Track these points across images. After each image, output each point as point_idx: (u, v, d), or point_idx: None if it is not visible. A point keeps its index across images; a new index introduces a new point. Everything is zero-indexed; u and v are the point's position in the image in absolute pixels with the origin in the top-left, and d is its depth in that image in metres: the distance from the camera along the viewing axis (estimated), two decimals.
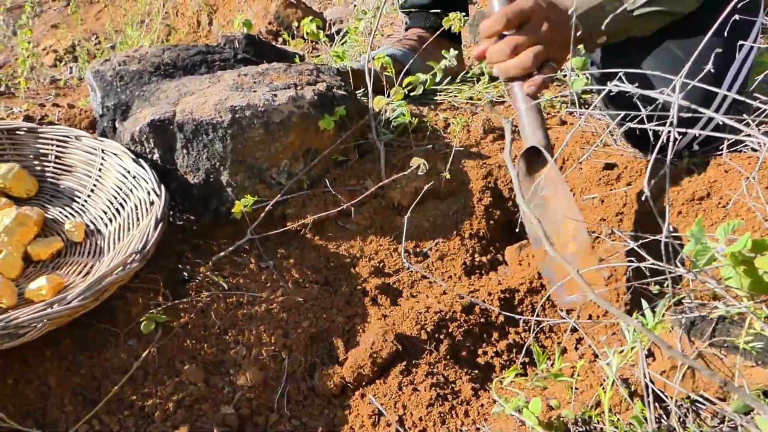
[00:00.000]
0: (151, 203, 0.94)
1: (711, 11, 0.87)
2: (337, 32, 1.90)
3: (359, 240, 1.11)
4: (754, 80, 0.97)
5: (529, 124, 0.97)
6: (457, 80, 1.52)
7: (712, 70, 0.70)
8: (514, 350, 0.95)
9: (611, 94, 0.72)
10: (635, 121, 0.70)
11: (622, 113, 0.72)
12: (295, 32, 2.17)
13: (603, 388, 0.63)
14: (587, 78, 1.32)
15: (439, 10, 1.42)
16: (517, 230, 1.06)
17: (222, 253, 1.02)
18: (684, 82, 0.63)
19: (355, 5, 2.35)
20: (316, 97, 1.10)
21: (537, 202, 0.90)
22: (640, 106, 0.92)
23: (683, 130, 0.61)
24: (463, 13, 1.27)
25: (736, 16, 0.81)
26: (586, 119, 1.38)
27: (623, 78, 0.72)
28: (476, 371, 0.92)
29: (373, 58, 1.33)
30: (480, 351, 0.95)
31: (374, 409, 0.84)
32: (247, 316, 0.95)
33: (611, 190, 1.12)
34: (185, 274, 1.01)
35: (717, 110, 1.09)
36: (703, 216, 1.05)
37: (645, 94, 0.63)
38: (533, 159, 0.99)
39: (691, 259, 0.53)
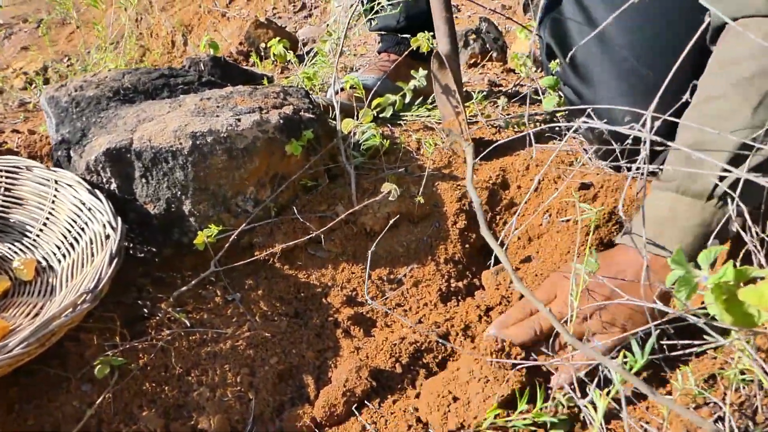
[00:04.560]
0: (107, 237, 0.89)
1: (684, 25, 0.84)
2: (308, 53, 1.87)
3: (330, 268, 1.06)
4: None
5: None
6: (429, 101, 1.49)
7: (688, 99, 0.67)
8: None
9: (583, 118, 0.69)
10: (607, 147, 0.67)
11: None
12: (264, 53, 2.14)
13: None
14: (559, 96, 1.31)
15: (408, 36, 1.40)
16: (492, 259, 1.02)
17: (184, 288, 0.97)
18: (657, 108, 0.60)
19: (327, 24, 2.32)
20: (282, 121, 1.06)
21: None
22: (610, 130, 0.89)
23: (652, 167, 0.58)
24: (432, 33, 1.24)
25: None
26: (560, 136, 1.36)
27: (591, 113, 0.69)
28: (455, 407, 0.87)
29: (342, 89, 1.30)
30: None
31: None
32: (211, 354, 0.90)
33: (587, 210, 1.09)
34: (145, 310, 0.95)
35: None
36: None
37: (614, 129, 0.60)
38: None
39: (672, 292, 0.49)
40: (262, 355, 0.90)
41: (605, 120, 0.68)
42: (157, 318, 0.93)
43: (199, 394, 0.85)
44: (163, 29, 2.92)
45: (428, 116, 1.43)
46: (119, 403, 0.82)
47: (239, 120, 1.02)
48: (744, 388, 0.76)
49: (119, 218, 0.91)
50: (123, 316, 0.93)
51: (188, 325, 0.92)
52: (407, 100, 1.24)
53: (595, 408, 0.49)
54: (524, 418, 0.76)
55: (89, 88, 1.12)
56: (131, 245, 1.04)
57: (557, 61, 1.20)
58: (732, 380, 0.64)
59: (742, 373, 0.76)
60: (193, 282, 0.98)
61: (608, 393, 0.54)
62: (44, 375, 0.83)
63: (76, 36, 3.13)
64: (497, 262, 1.09)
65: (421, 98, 1.46)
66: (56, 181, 0.99)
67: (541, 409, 0.67)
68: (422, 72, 1.24)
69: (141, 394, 0.84)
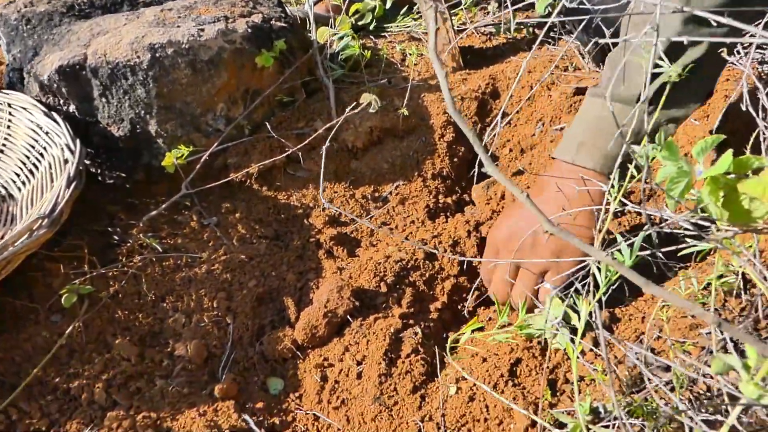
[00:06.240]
0: (66, 161, 0.83)
1: None
2: None
3: (311, 188, 1.00)
4: None
5: None
6: (415, 10, 1.39)
7: None
8: (484, 297, 0.87)
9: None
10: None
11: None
12: None
13: (573, 341, 0.55)
14: None
15: None
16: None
17: (154, 212, 0.91)
18: None
19: None
20: (250, 30, 0.97)
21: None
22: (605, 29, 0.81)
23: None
24: None
25: None
26: (554, 43, 1.27)
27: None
28: (442, 324, 0.84)
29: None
30: (446, 301, 0.87)
31: (329, 373, 0.76)
32: (186, 279, 0.86)
33: None
34: (116, 237, 0.90)
35: None
36: (685, 135, 0.96)
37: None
38: None
39: (663, 189, 0.43)
40: (240, 278, 0.86)
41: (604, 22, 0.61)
42: (128, 245, 0.89)
43: (174, 321, 0.81)
44: None
45: (414, 26, 1.33)
46: (91, 333, 0.79)
47: (202, 30, 0.93)
48: (746, 293, 0.72)
49: (78, 140, 0.85)
50: (92, 244, 0.88)
51: (161, 250, 0.88)
52: (388, 5, 1.15)
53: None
54: (506, 331, 0.72)
55: (40, 4, 1.03)
56: (99, 171, 0.98)
57: None
58: (726, 286, 0.59)
59: (743, 277, 0.71)
60: (163, 206, 0.92)
61: (593, 295, 0.49)
62: (11, 306, 0.79)
63: None
64: (483, 177, 1.03)
65: (406, 7, 1.36)
66: (10, 105, 0.92)
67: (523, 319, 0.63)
68: None
69: (113, 322, 0.80)
